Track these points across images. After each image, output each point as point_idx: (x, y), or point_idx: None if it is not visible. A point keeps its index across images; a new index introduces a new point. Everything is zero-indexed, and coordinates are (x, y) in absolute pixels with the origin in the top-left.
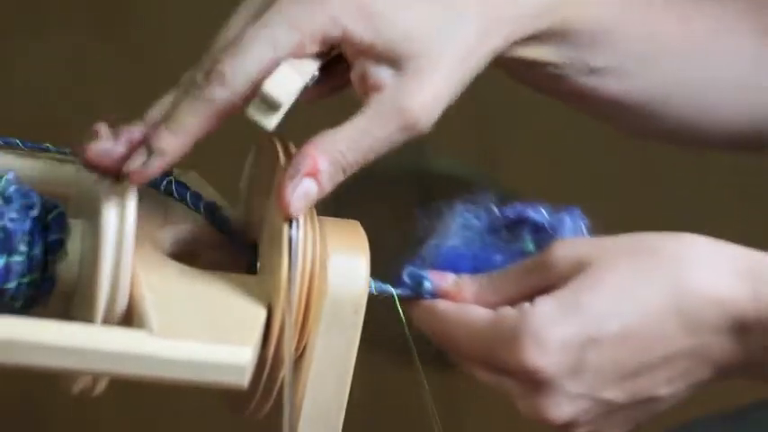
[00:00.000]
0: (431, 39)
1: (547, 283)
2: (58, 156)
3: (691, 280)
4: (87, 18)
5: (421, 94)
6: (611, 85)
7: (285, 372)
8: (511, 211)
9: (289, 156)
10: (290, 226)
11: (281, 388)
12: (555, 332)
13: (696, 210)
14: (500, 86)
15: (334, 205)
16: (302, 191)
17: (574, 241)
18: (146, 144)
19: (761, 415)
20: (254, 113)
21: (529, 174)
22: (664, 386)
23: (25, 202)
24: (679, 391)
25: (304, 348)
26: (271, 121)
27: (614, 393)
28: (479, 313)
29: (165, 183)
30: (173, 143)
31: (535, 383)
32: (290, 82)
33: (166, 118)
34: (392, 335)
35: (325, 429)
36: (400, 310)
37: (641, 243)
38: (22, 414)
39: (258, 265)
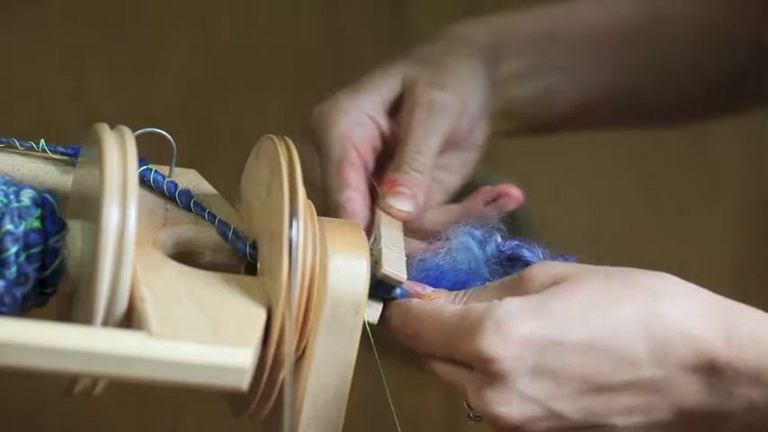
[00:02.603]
0: None
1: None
2: (57, 156)
3: (665, 311)
4: (87, 18)
5: None
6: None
7: (285, 373)
8: (509, 246)
9: (289, 156)
10: (291, 227)
11: (282, 389)
12: (518, 325)
13: (695, 208)
14: None
15: None
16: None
17: (554, 263)
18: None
19: None
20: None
21: (527, 172)
22: (622, 415)
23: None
24: (636, 425)
25: (304, 349)
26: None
27: (569, 407)
28: (448, 307)
29: (167, 186)
30: None
31: (490, 375)
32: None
33: None
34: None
35: (325, 430)
36: (366, 316)
37: (619, 271)
38: (18, 413)
39: (258, 266)
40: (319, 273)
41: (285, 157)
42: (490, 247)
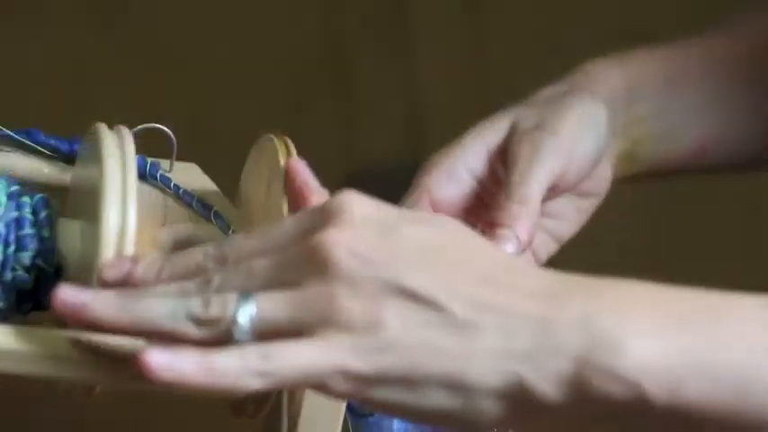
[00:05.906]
0: None
1: None
2: (54, 154)
3: None
4: (87, 18)
5: None
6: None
7: None
8: None
9: (289, 155)
10: None
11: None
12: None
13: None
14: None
15: None
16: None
17: None
18: None
19: None
20: None
21: None
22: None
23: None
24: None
25: None
26: None
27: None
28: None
29: (164, 180)
30: None
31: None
32: None
33: None
34: None
35: (325, 430)
36: None
37: None
38: (18, 413)
39: None
40: None
41: (284, 157)
42: None
